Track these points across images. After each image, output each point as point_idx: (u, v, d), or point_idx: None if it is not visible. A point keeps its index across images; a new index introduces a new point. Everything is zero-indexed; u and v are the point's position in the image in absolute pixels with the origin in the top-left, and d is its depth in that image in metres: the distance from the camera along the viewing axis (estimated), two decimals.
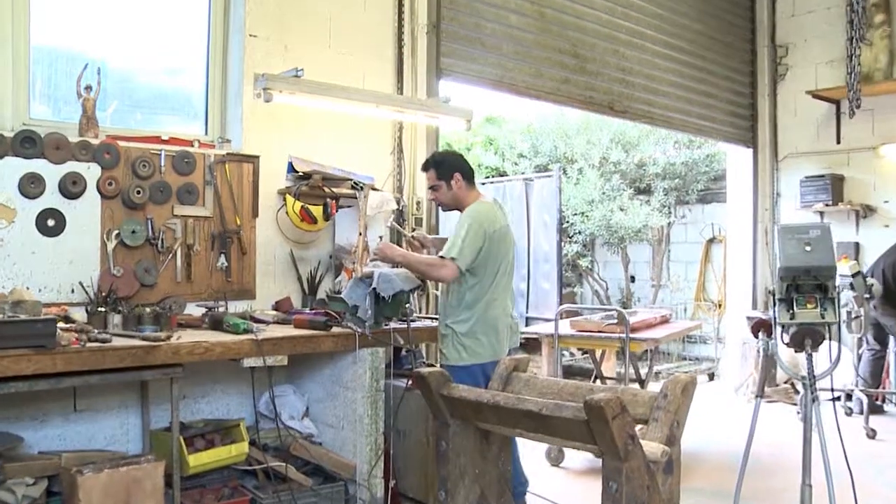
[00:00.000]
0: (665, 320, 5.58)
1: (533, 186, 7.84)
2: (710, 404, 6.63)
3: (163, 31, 4.23)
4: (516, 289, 8.07)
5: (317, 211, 4.07)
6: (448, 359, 3.53)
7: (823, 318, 3.06)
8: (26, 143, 3.50)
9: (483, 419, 2.59)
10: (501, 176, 9.03)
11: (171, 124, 4.26)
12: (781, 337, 3.26)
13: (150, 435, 3.66)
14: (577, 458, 4.88)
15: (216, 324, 3.61)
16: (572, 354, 8.67)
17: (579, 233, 8.43)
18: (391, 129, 4.86)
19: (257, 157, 4.23)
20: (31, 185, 3.51)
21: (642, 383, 5.06)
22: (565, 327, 4.95)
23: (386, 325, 3.80)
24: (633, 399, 2.49)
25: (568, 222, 8.48)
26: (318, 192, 4.20)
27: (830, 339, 3.23)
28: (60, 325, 3.05)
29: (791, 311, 3.13)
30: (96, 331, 3.26)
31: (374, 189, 4.43)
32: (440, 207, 4.25)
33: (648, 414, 2.40)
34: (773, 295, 3.22)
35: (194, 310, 3.95)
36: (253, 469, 3.73)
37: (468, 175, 3.67)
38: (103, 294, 3.60)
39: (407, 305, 3.70)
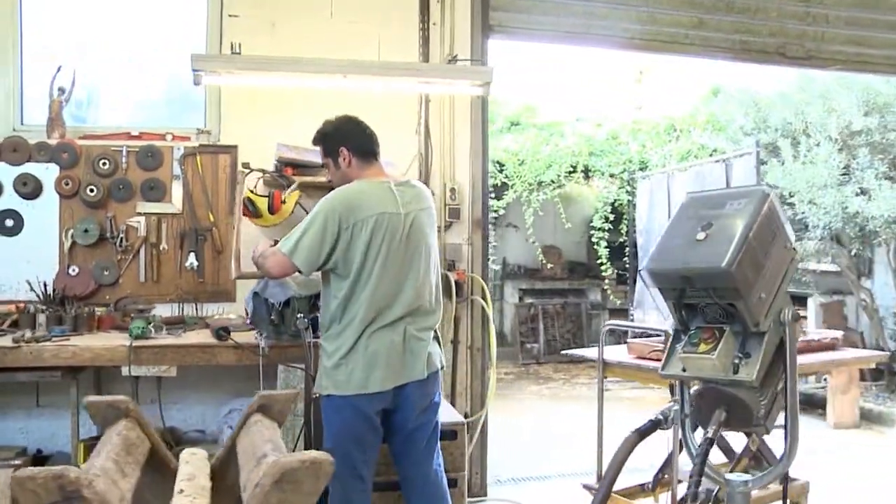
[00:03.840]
0: (826, 346, 3.85)
1: (732, 168, 6.18)
2: None
3: (167, 26, 4.12)
4: None
5: (263, 203, 3.56)
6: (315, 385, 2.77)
7: (737, 372, 1.66)
8: None
9: None
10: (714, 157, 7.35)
11: (175, 120, 4.11)
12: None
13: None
14: None
15: None
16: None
17: (815, 226, 6.43)
18: (416, 103, 4.12)
19: (234, 146, 3.88)
20: None
21: (748, 433, 3.52)
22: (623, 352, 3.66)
23: (313, 338, 3.15)
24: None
25: (800, 213, 6.53)
26: (289, 181, 3.69)
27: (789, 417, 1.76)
28: None
29: (676, 354, 1.78)
30: (12, 331, 3.26)
31: None
32: None
33: None
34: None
35: (166, 311, 3.76)
36: None
37: (362, 149, 2.83)
38: (51, 293, 3.57)
39: (299, 315, 2.98)
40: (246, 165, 3.52)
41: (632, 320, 8.19)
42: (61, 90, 3.79)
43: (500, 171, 8.67)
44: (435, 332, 2.83)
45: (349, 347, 2.64)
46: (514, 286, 10.17)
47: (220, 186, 3.86)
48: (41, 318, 3.40)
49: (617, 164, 8.55)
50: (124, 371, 3.09)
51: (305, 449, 3.21)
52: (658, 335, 3.84)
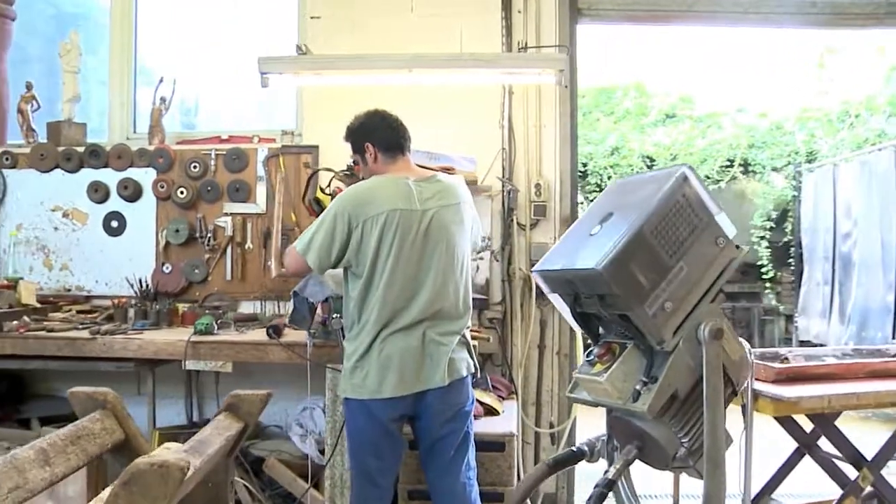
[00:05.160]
0: None
1: None
2: None
3: (264, 32, 4.27)
4: (881, 302, 5.63)
5: (328, 202, 3.54)
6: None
7: (636, 399, 1.34)
8: (92, 156, 3.96)
9: None
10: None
11: (267, 123, 4.26)
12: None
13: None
14: None
15: None
16: None
17: None
18: (499, 95, 3.93)
19: (316, 147, 3.92)
20: (95, 192, 3.95)
21: (858, 466, 2.96)
22: None
23: None
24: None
25: None
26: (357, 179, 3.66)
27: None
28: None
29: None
30: (104, 324, 3.52)
31: (446, 171, 3.63)
32: None
33: None
34: None
35: (250, 308, 3.91)
36: None
37: (386, 143, 2.70)
38: (144, 289, 3.82)
39: (335, 315, 2.92)
40: (307, 166, 3.55)
41: (796, 328, 7.42)
42: (163, 99, 4.05)
43: (650, 168, 8.16)
44: (464, 336, 2.65)
45: (364, 350, 2.54)
46: None
47: (302, 186, 3.91)
48: (131, 313, 3.65)
49: (781, 156, 7.72)
50: (183, 365, 3.21)
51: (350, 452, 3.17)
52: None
